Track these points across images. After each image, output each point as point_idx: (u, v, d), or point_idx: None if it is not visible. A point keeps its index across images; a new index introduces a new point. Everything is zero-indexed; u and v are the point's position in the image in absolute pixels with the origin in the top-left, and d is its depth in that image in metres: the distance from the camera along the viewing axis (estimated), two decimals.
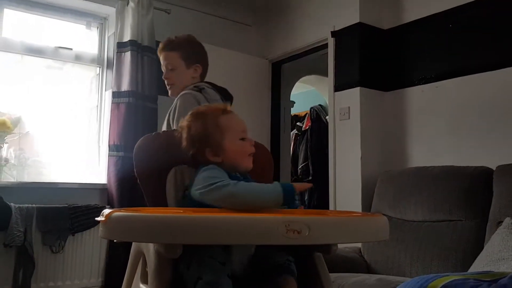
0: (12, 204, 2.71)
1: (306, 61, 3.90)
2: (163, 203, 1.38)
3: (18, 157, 2.98)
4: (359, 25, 3.08)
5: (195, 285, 1.03)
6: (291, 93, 4.44)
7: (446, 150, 2.75)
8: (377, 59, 3.13)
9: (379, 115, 3.10)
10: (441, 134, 2.80)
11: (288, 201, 1.14)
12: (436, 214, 2.40)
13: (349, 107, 3.08)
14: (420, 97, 2.93)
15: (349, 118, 3.07)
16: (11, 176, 2.92)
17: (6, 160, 2.88)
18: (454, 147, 2.71)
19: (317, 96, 5.46)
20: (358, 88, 3.03)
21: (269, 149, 3.55)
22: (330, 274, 1.29)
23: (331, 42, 3.27)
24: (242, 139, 1.38)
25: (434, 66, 2.86)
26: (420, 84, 2.93)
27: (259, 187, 1.17)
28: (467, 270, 1.97)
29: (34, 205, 2.80)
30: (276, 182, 1.17)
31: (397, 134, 3.04)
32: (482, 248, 2.05)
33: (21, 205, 2.75)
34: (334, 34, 3.25)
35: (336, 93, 3.19)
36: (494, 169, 2.35)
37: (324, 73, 3.50)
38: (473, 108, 2.66)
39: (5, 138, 2.87)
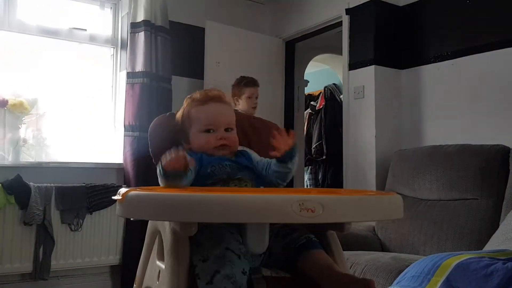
0: (31, 183, 2.77)
1: (320, 39, 3.85)
2: None
3: (36, 137, 3.02)
4: (374, 2, 3.02)
5: (212, 278, 1.04)
6: (305, 72, 4.41)
7: (462, 129, 2.72)
8: (392, 37, 3.08)
9: (394, 93, 3.07)
10: (457, 112, 2.76)
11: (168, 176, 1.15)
12: (452, 193, 2.39)
13: (363, 86, 3.05)
14: (435, 75, 2.89)
15: (363, 97, 3.05)
16: (29, 156, 2.98)
17: (25, 141, 2.92)
18: (470, 126, 2.68)
19: (331, 75, 5.41)
20: (373, 67, 2.99)
21: None
22: (344, 252, 1.30)
23: (345, 19, 3.23)
24: (208, 131, 1.40)
25: (450, 43, 2.81)
26: (436, 62, 2.88)
27: None
28: (482, 249, 1.97)
29: (52, 185, 2.86)
30: None
31: (412, 113, 3.01)
32: (498, 227, 2.05)
33: (40, 185, 2.81)
34: (348, 11, 3.20)
35: (350, 71, 3.16)
36: (511, 147, 2.32)
37: (339, 52, 3.46)
38: (489, 86, 2.61)
39: (23, 119, 2.91)
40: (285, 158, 1.31)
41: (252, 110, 3.07)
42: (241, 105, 3.09)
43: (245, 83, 3.11)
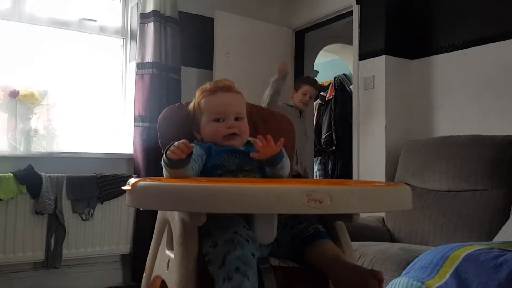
0: (42, 173, 2.80)
1: (330, 29, 3.83)
2: None
3: (46, 128, 3.05)
4: None
5: (223, 260, 1.04)
6: (315, 62, 4.39)
7: (473, 119, 2.69)
8: (403, 26, 3.04)
9: (405, 84, 3.04)
10: (468, 102, 2.74)
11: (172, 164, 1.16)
12: (462, 184, 2.38)
13: (373, 76, 3.03)
14: (447, 65, 2.86)
15: (373, 87, 3.03)
16: (40, 146, 3.01)
17: (36, 131, 2.95)
18: (481, 116, 2.66)
19: (341, 65, 5.38)
20: (383, 57, 2.97)
21: None
22: (353, 242, 1.30)
23: (356, 9, 3.20)
24: (218, 120, 1.41)
25: (461, 33, 2.77)
26: (448, 52, 2.85)
27: None
28: (492, 240, 1.96)
29: (63, 174, 2.89)
30: None
31: (423, 103, 2.99)
32: (508, 218, 2.04)
33: (51, 174, 2.84)
34: (359, 1, 3.17)
35: (360, 61, 3.14)
36: None
37: (349, 42, 3.44)
38: (502, 76, 2.58)
39: (34, 109, 2.94)
40: (267, 164, 1.32)
41: (301, 105, 3.26)
42: (295, 98, 3.30)
43: (305, 80, 3.37)
